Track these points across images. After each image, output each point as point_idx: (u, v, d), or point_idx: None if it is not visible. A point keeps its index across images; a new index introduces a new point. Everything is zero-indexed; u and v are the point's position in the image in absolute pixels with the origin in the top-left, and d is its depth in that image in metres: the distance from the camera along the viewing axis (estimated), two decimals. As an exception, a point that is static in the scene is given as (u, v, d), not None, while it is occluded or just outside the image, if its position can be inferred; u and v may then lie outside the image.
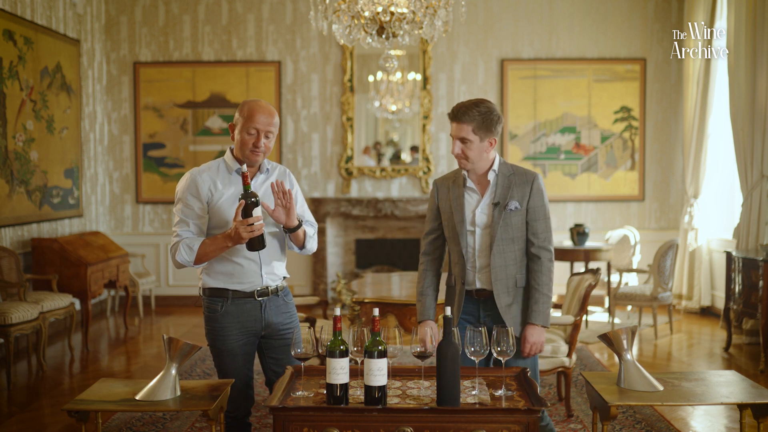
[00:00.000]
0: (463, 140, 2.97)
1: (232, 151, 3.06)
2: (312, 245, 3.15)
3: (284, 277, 3.19)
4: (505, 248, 3.03)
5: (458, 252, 3.08)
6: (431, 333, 3.04)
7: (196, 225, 3.01)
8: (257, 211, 2.83)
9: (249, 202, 2.82)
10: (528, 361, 3.08)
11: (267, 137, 2.97)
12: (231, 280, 3.04)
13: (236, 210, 2.83)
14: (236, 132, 2.99)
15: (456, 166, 8.59)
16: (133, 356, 6.30)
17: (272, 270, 3.09)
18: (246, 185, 2.83)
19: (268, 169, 3.11)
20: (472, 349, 2.66)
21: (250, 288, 3.05)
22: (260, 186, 3.07)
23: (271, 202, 3.03)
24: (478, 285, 3.08)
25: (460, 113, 2.95)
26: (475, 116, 2.94)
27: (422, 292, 3.20)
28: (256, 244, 2.88)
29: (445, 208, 3.12)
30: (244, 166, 2.87)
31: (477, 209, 3.05)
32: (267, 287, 3.07)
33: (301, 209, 3.16)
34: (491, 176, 3.04)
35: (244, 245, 2.92)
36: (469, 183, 3.07)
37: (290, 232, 3.01)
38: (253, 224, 2.81)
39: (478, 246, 3.05)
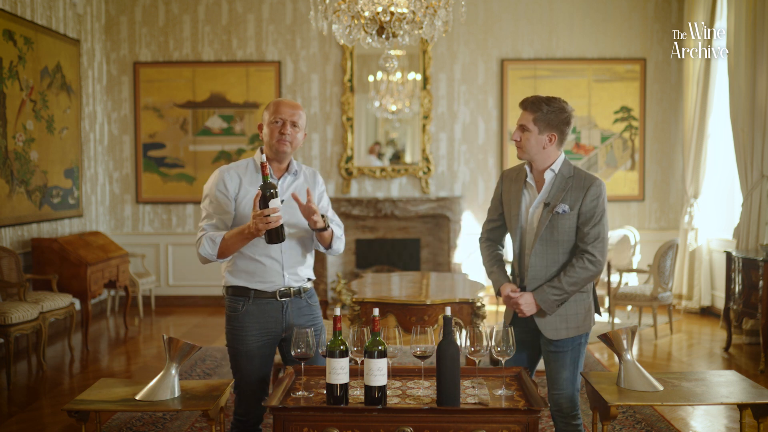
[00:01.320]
0: (523, 128, 2.98)
1: (261, 150, 3.06)
2: (338, 246, 3.12)
3: (309, 279, 3.15)
4: (548, 249, 2.98)
5: (514, 246, 3.09)
6: (510, 288, 3.04)
7: (221, 220, 3.00)
8: (275, 203, 2.77)
9: (266, 193, 2.77)
10: (570, 374, 3.04)
11: (294, 126, 2.99)
12: (253, 279, 3.02)
13: (254, 200, 2.79)
14: (265, 130, 3.00)
15: (456, 169, 8.55)
16: (133, 356, 6.30)
17: (295, 271, 3.06)
18: (264, 176, 2.79)
19: (296, 171, 3.10)
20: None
21: (272, 288, 3.02)
22: (287, 187, 3.05)
23: (295, 206, 3.00)
24: (526, 283, 3.07)
25: (527, 102, 2.98)
26: (541, 108, 2.94)
27: (490, 271, 3.19)
28: (274, 236, 2.81)
29: (506, 200, 3.13)
30: (264, 156, 2.85)
31: (531, 207, 3.03)
32: (289, 288, 3.04)
33: (324, 210, 3.14)
34: (548, 175, 3.00)
35: (264, 239, 2.86)
36: (529, 179, 3.05)
37: (317, 231, 2.99)
38: (269, 216, 2.76)
39: (527, 244, 3.04)
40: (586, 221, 2.95)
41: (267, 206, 2.77)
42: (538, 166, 3.02)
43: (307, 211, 2.91)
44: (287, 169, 3.08)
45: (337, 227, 3.11)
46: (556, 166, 3.00)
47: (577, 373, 3.06)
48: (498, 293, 3.13)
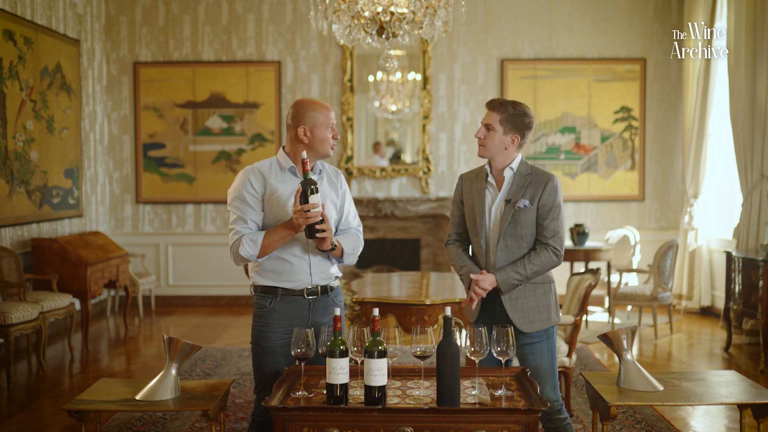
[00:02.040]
0: (488, 127, 3.10)
1: (284, 149, 3.08)
2: (350, 260, 3.12)
3: (337, 277, 3.17)
4: (512, 244, 3.08)
5: (477, 244, 3.16)
6: (477, 275, 3.06)
7: (253, 221, 3.02)
8: (314, 199, 2.81)
9: (306, 188, 2.80)
10: (549, 365, 3.09)
11: None
12: (280, 278, 3.03)
13: (295, 196, 2.84)
14: (311, 132, 3.00)
15: (456, 169, 8.55)
16: (133, 356, 6.30)
17: (323, 269, 3.08)
18: (305, 171, 2.82)
19: (320, 170, 3.13)
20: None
21: (299, 286, 3.04)
22: None
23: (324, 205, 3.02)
24: None
25: (494, 103, 3.12)
26: (507, 110, 3.07)
27: (461, 265, 3.21)
28: (315, 231, 2.85)
29: (468, 200, 3.21)
30: (304, 153, 2.86)
31: (493, 206, 3.13)
32: (317, 286, 3.06)
33: (347, 209, 3.18)
34: (508, 173, 3.13)
35: (305, 234, 2.88)
36: (490, 178, 3.16)
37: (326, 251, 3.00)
38: (309, 210, 2.79)
39: (492, 241, 3.11)
40: (544, 215, 3.08)
41: (307, 202, 2.80)
42: (497, 165, 3.15)
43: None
44: (311, 168, 3.10)
45: (350, 239, 3.11)
46: (515, 165, 3.14)
47: (555, 363, 3.13)
48: (469, 286, 3.14)
